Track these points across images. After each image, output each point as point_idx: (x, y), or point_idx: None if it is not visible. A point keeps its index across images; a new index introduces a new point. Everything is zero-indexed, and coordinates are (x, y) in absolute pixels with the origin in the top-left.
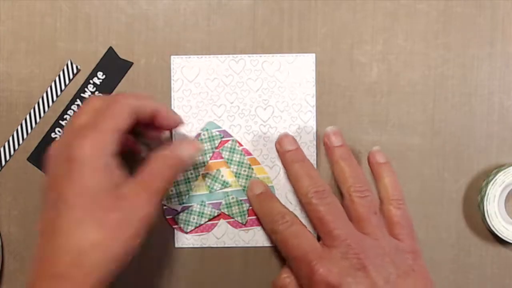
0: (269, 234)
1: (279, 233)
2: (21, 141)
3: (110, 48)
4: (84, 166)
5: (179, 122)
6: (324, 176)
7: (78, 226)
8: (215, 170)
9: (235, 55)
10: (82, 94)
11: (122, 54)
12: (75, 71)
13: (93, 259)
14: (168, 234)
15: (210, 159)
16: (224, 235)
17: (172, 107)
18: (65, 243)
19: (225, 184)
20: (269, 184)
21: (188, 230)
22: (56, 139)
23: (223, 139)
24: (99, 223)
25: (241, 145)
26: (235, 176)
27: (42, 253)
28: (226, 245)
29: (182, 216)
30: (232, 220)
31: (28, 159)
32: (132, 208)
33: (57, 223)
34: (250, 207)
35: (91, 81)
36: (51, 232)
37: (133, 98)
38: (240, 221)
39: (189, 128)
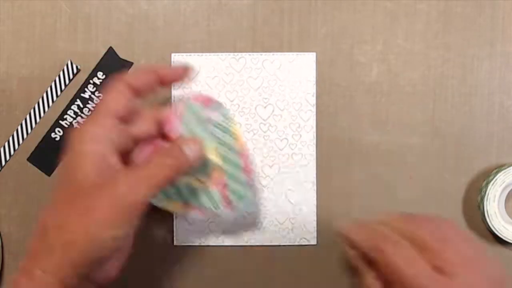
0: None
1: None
2: (21, 141)
3: (110, 48)
4: (74, 156)
5: (184, 71)
6: (324, 177)
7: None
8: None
9: (235, 53)
10: (82, 94)
11: (122, 54)
12: (75, 71)
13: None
14: (166, 232)
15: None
16: (223, 234)
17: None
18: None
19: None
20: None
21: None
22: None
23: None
24: (83, 210)
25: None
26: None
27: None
28: (225, 244)
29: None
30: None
31: (28, 159)
32: (121, 196)
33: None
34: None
35: (91, 81)
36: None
37: (127, 75)
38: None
39: None
